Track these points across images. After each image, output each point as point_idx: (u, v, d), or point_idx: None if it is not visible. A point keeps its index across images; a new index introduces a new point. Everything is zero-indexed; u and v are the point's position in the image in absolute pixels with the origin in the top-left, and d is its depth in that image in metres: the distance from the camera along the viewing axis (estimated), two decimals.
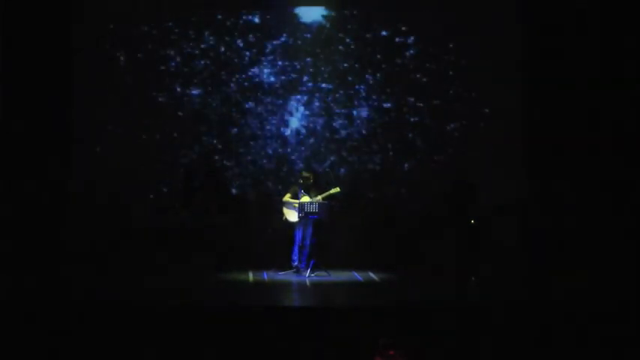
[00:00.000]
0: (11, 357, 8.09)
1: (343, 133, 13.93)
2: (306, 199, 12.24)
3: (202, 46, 13.70)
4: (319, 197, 12.21)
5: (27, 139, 11.37)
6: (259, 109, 13.87)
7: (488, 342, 8.39)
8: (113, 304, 9.21)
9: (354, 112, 13.93)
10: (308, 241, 12.34)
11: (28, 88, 11.44)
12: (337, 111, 13.92)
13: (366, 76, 13.87)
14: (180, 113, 13.64)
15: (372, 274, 12.40)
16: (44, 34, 11.58)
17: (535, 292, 10.15)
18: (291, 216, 12.32)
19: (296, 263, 12.37)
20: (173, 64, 13.64)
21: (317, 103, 13.93)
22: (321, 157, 13.80)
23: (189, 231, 12.89)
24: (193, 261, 12.38)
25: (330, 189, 12.33)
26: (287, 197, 12.40)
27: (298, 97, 13.90)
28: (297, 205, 12.18)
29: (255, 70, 13.82)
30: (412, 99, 13.76)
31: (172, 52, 13.61)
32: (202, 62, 13.73)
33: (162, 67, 13.61)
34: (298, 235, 12.33)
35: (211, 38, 13.73)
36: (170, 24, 13.58)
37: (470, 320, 8.76)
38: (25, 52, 11.35)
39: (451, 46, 13.59)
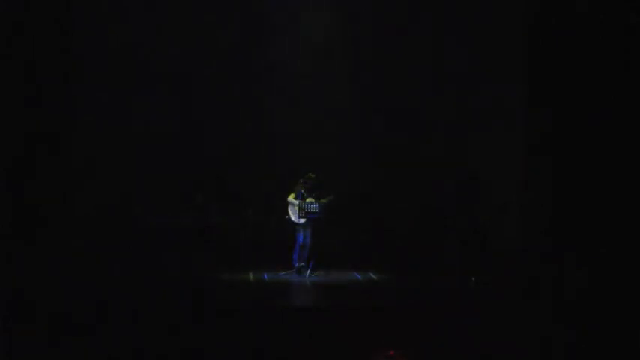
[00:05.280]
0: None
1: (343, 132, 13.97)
2: (309, 200, 12.25)
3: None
4: (324, 200, 12.21)
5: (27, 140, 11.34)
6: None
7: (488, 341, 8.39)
8: (114, 303, 9.22)
9: (354, 112, 13.97)
10: (308, 241, 12.34)
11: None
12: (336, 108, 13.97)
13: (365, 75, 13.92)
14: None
15: (372, 274, 12.41)
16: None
17: (536, 292, 10.15)
18: (296, 217, 12.30)
19: (297, 263, 12.37)
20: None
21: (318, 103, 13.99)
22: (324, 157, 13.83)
23: (190, 231, 12.91)
24: (194, 261, 12.39)
25: (330, 195, 12.31)
26: (291, 197, 12.37)
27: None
28: (297, 208, 12.18)
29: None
30: (413, 98, 13.78)
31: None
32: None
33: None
34: (300, 235, 12.33)
35: None
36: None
37: (469, 320, 8.76)
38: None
39: (451, 45, 13.60)
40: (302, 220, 12.23)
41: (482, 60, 13.25)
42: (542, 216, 11.28)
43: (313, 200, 12.24)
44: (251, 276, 12.16)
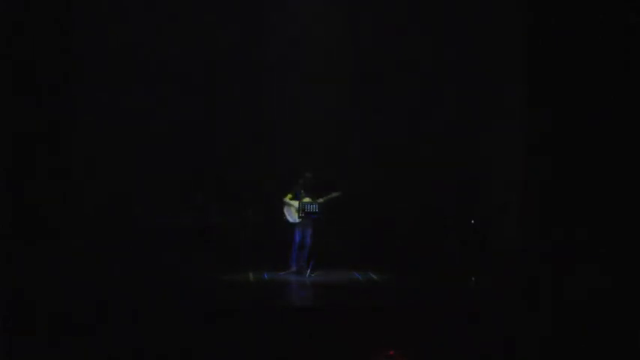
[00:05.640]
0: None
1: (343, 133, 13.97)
2: (307, 199, 12.26)
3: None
4: (321, 200, 12.22)
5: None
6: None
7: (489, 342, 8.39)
8: (114, 303, 9.22)
9: (354, 112, 13.96)
10: (308, 241, 12.35)
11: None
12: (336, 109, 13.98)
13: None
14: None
15: (372, 274, 12.41)
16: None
17: (536, 292, 10.15)
18: (291, 217, 12.33)
19: (294, 263, 12.37)
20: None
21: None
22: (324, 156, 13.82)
23: (190, 231, 12.90)
24: (194, 261, 12.39)
25: (331, 193, 12.33)
26: (288, 197, 12.40)
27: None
28: (295, 207, 12.20)
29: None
30: (413, 96, 13.78)
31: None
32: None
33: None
34: (298, 235, 12.34)
35: None
36: None
37: (469, 320, 8.76)
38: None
39: (451, 45, 13.59)
40: (293, 220, 12.25)
41: (482, 60, 13.24)
42: (542, 216, 11.28)
43: (311, 200, 12.25)
44: (251, 276, 12.16)
